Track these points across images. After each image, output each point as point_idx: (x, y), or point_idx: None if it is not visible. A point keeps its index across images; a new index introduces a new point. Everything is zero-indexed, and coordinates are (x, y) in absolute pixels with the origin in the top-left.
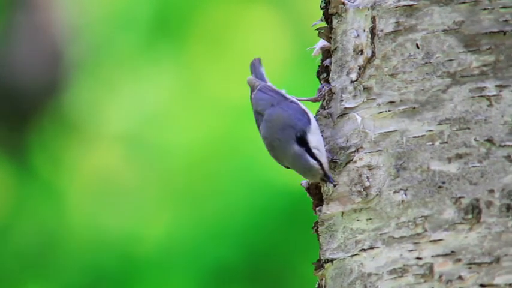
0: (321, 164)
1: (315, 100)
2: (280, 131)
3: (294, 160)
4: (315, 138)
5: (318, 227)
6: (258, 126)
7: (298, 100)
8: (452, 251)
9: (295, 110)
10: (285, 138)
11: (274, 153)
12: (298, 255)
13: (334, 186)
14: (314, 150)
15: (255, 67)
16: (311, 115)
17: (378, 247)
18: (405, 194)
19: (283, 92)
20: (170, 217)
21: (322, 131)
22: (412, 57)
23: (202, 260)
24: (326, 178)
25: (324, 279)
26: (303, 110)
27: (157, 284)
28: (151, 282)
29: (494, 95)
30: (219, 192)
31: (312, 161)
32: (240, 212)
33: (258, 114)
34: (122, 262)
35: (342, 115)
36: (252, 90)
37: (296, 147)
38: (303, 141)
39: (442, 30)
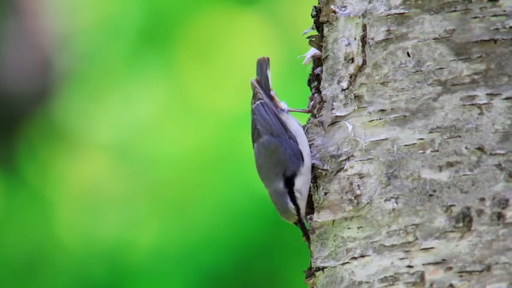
0: (298, 210)
1: (309, 111)
2: (272, 163)
3: (274, 196)
4: (301, 181)
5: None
6: (253, 136)
7: (294, 110)
8: (443, 259)
9: (292, 151)
10: (275, 171)
11: (260, 175)
12: (288, 264)
13: (307, 239)
14: (296, 194)
15: (262, 68)
16: (306, 152)
17: (368, 255)
18: (396, 202)
19: (283, 113)
20: (159, 227)
21: (313, 139)
22: (403, 66)
23: (191, 269)
24: (299, 224)
25: (315, 287)
26: (299, 151)
27: None
28: None
29: (485, 104)
30: (208, 202)
31: (290, 204)
32: (230, 221)
33: (256, 129)
34: (111, 272)
35: (332, 123)
36: (254, 97)
37: (280, 186)
38: (289, 183)
39: (433, 39)
